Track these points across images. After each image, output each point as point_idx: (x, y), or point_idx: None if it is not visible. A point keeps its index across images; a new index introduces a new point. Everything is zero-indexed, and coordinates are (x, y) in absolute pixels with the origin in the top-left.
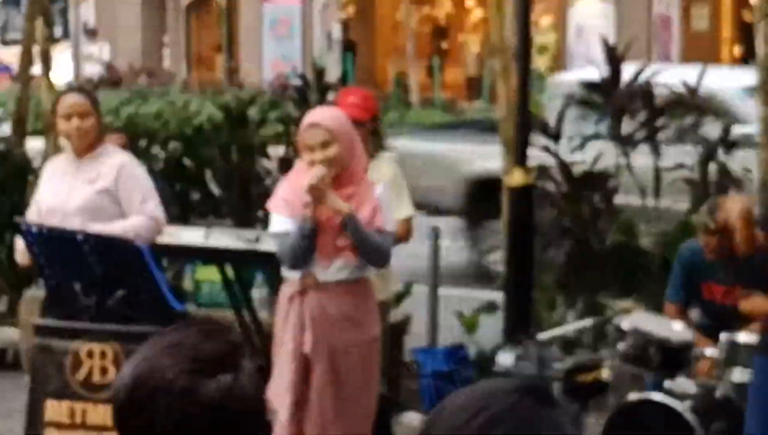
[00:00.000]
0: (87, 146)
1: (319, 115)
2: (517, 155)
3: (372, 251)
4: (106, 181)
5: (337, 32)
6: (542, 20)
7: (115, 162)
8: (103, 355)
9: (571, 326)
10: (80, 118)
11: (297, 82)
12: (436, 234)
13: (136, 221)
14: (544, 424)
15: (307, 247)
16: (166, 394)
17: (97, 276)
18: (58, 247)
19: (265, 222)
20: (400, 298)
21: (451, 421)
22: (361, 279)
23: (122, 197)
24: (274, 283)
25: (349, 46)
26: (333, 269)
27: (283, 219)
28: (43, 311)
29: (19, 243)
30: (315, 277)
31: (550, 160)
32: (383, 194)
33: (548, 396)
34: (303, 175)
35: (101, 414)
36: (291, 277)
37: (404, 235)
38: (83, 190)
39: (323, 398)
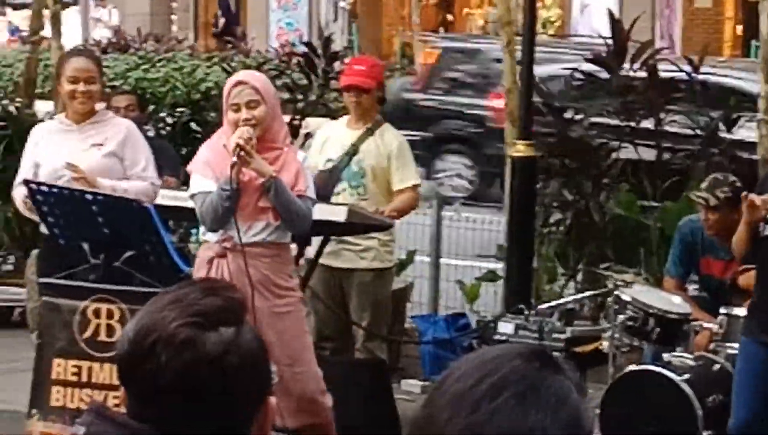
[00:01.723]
0: (88, 111)
1: (247, 74)
2: (521, 127)
3: (294, 215)
4: (112, 144)
5: (343, 2)
6: None
7: (121, 126)
8: (109, 314)
9: (571, 297)
10: (86, 83)
11: (303, 50)
12: (438, 203)
13: (140, 186)
14: (550, 389)
15: (228, 207)
16: (167, 346)
17: (105, 236)
18: (68, 206)
19: None
20: (402, 266)
21: (456, 386)
22: (281, 244)
23: (127, 160)
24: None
25: (354, 16)
26: (253, 231)
27: (203, 180)
28: (40, 267)
29: (19, 192)
30: (234, 239)
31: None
32: (306, 160)
33: (553, 361)
34: (225, 138)
35: (107, 372)
36: (210, 238)
37: (411, 203)
38: (91, 154)
39: None
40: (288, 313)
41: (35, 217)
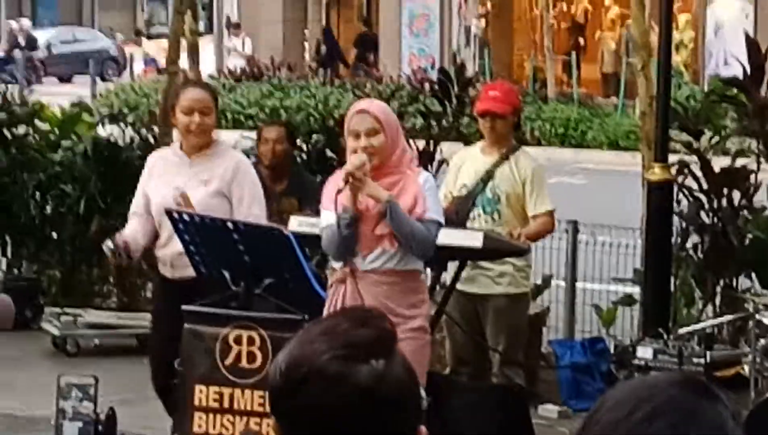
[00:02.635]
0: (203, 144)
1: (367, 103)
2: (658, 151)
3: (413, 239)
4: (220, 182)
5: (475, 28)
6: (680, 17)
7: (230, 163)
8: (250, 341)
9: (710, 321)
10: (201, 114)
11: (436, 76)
12: (574, 228)
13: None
14: (706, 418)
15: (347, 236)
16: (319, 379)
17: (246, 264)
18: (209, 235)
19: None
20: (538, 291)
21: (611, 414)
22: (403, 271)
23: (233, 198)
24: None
25: (486, 41)
26: (371, 258)
27: (328, 213)
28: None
29: (109, 244)
30: (353, 266)
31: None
32: (429, 183)
33: (710, 389)
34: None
35: (248, 399)
36: (336, 265)
37: (546, 228)
38: (197, 192)
39: None
40: (402, 342)
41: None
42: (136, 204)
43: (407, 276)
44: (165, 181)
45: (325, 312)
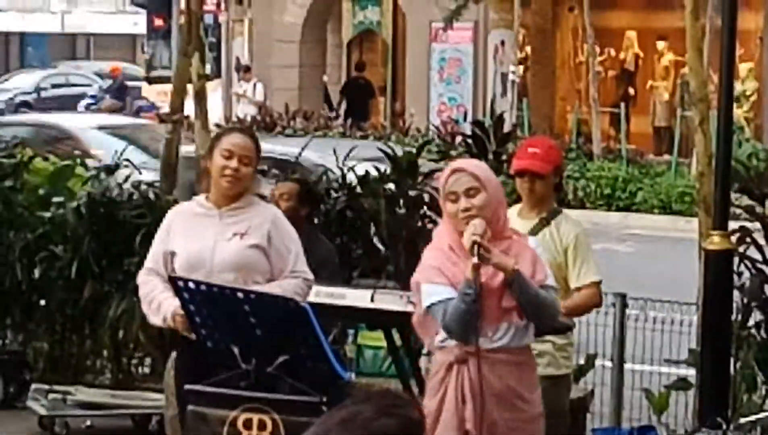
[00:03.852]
0: (236, 194)
1: (462, 162)
2: (717, 216)
3: (540, 308)
4: (257, 235)
5: (513, 74)
6: (741, 66)
7: (267, 215)
8: (261, 425)
9: None
10: (240, 162)
11: (468, 128)
12: (622, 302)
13: (292, 283)
14: None
15: (474, 312)
16: None
17: (257, 338)
18: (217, 305)
19: None
20: (581, 372)
21: None
22: (524, 348)
23: (273, 254)
24: None
25: (525, 90)
26: (498, 334)
27: (437, 287)
28: (186, 374)
29: (168, 303)
30: (477, 345)
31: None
32: (540, 248)
33: None
34: (446, 238)
35: None
36: (449, 343)
37: (591, 301)
38: (233, 245)
39: None
40: (524, 430)
41: (187, 333)
42: (154, 260)
43: (529, 353)
44: (192, 235)
45: (433, 397)
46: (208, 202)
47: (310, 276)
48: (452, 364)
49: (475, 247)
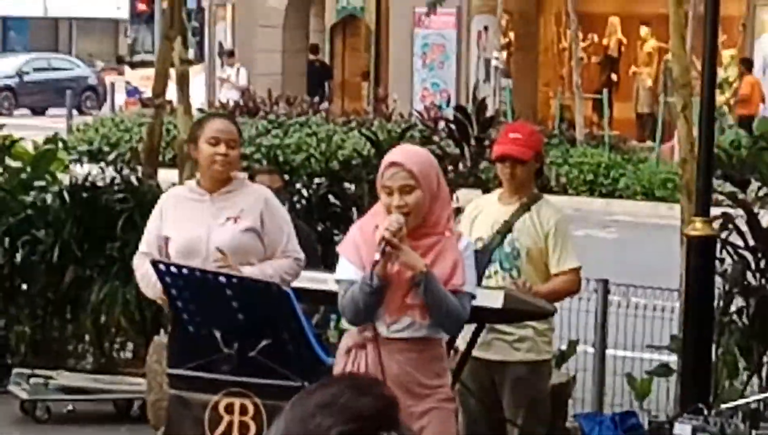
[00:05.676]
0: (225, 179)
1: (402, 154)
2: (699, 203)
3: (445, 315)
4: (250, 218)
5: (496, 60)
6: (724, 52)
7: (259, 196)
8: (243, 410)
9: (756, 396)
10: (227, 146)
11: (451, 114)
12: (604, 288)
13: (284, 263)
14: None
15: (372, 303)
16: None
17: (239, 323)
18: (199, 289)
19: None
20: (563, 358)
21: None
22: (431, 339)
23: (267, 235)
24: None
25: (507, 76)
26: (398, 326)
27: (350, 266)
28: (170, 358)
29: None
30: (376, 331)
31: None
32: (468, 250)
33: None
34: (378, 220)
35: None
36: (351, 327)
37: (570, 287)
38: (227, 229)
39: None
40: (428, 413)
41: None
42: (148, 244)
43: (433, 343)
44: (186, 221)
45: None
46: (199, 187)
47: (302, 256)
48: (351, 348)
49: (383, 243)
